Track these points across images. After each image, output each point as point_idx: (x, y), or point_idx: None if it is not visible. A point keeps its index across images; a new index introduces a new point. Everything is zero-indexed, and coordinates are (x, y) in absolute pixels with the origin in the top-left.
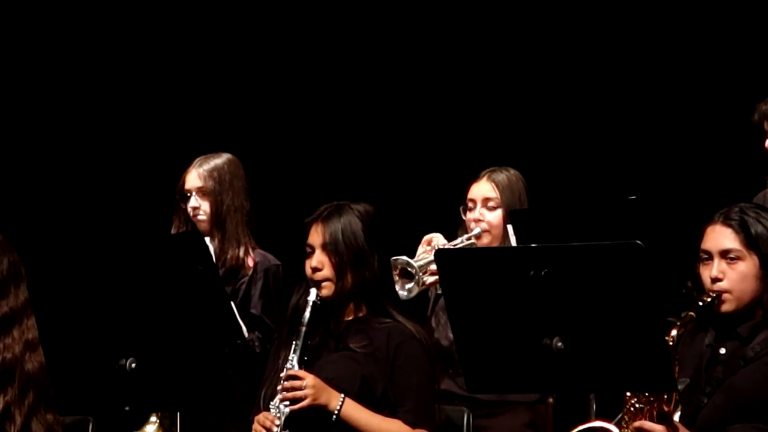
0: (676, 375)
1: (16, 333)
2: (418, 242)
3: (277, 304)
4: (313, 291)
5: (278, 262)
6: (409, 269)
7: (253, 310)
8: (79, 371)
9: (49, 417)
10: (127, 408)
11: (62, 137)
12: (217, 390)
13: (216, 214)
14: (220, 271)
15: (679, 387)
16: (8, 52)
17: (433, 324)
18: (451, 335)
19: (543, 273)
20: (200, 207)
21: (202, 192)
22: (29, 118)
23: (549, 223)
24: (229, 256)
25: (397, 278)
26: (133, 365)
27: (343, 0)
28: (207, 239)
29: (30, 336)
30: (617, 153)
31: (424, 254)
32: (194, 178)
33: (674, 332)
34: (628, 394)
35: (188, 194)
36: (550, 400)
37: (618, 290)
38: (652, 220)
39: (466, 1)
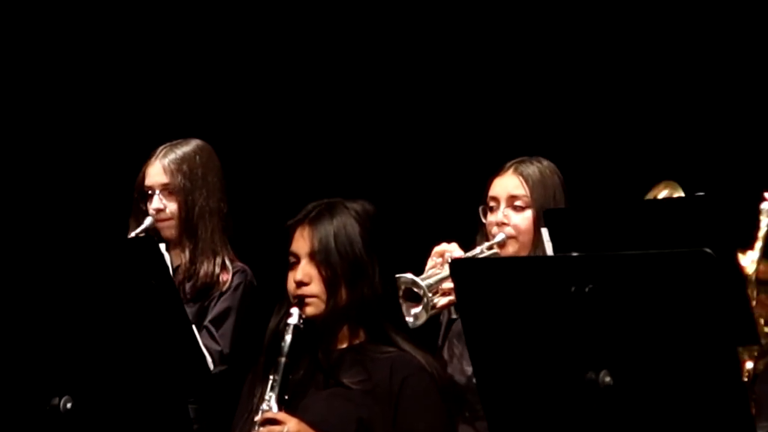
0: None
1: None
2: (429, 247)
3: (242, 324)
4: (295, 311)
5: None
6: (415, 290)
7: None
8: (2, 412)
9: None
10: None
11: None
12: None
13: (186, 218)
14: (190, 292)
15: None
16: None
17: (446, 356)
18: (468, 369)
19: (587, 289)
20: (166, 208)
21: (168, 190)
22: None
23: (593, 227)
24: (202, 272)
25: (400, 301)
26: (69, 405)
27: None
28: (165, 246)
29: None
30: (676, 138)
31: (435, 269)
32: (158, 172)
33: (749, 365)
34: None
35: (150, 192)
36: None
37: (681, 310)
38: (724, 223)
39: None
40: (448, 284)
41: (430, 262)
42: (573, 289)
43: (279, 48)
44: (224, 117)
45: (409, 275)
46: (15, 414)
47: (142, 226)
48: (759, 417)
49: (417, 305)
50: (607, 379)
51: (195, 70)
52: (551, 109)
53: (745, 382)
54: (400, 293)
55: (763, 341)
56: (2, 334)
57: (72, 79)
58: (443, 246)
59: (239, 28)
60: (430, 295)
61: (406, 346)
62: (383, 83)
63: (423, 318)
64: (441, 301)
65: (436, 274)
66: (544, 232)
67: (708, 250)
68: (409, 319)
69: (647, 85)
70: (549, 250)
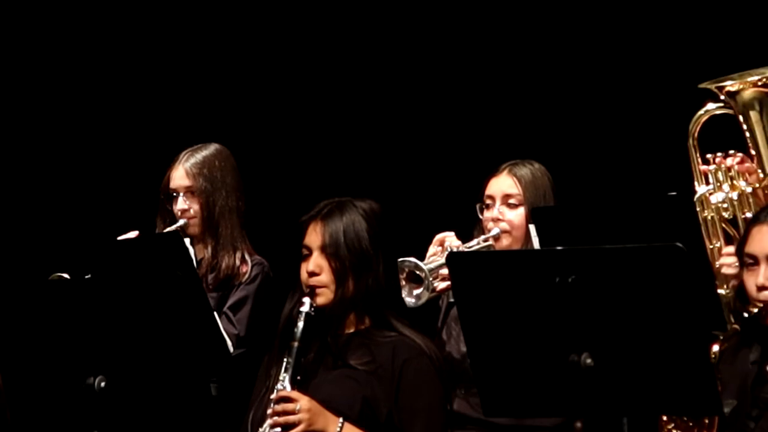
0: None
1: None
2: (429, 243)
3: (258, 311)
4: (307, 300)
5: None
6: (418, 273)
7: (226, 309)
8: (42, 390)
9: None
10: None
11: (33, 132)
12: (197, 412)
13: (208, 217)
14: (212, 283)
15: (725, 409)
16: None
17: (444, 336)
18: (464, 349)
19: (570, 279)
20: (189, 209)
21: (191, 192)
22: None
23: (577, 223)
24: (223, 265)
25: (404, 283)
26: (102, 384)
27: None
28: (190, 241)
29: None
30: (653, 143)
31: (436, 256)
32: (182, 176)
33: (716, 348)
34: (665, 418)
35: (174, 194)
36: (578, 424)
37: (655, 299)
38: (694, 220)
39: None
40: (447, 270)
41: (431, 249)
42: (557, 279)
43: (295, 64)
44: (242, 123)
45: (413, 259)
46: (56, 392)
47: (175, 225)
48: (724, 394)
49: (419, 287)
50: (589, 360)
51: (215, 80)
52: (543, 116)
53: (712, 363)
54: (404, 275)
55: (728, 327)
56: (45, 322)
57: (109, 95)
58: (443, 234)
59: (256, 44)
60: (431, 278)
61: (407, 332)
62: (389, 93)
63: (424, 298)
64: (441, 285)
65: (437, 261)
66: (532, 228)
67: (679, 245)
68: (411, 300)
69: (629, 98)
70: (536, 244)
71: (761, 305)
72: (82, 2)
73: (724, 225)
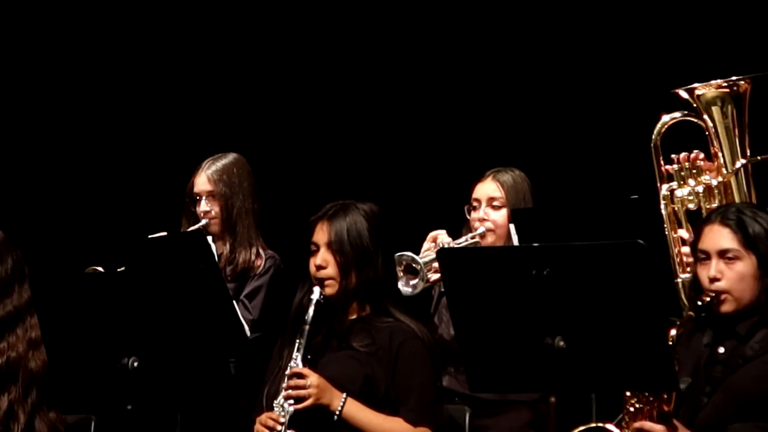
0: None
1: (19, 331)
2: (423, 240)
3: (271, 299)
4: (317, 289)
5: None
6: (414, 265)
7: (242, 297)
8: (82, 370)
9: (52, 415)
10: (129, 407)
11: (73, 139)
12: (218, 388)
13: (227, 217)
14: (230, 275)
15: (681, 386)
16: (19, 56)
17: (436, 321)
18: (453, 332)
19: (545, 272)
20: (211, 210)
21: (212, 196)
22: (41, 120)
23: (551, 223)
24: (240, 259)
25: (401, 274)
26: (135, 364)
27: (349, 3)
28: (212, 239)
29: (33, 334)
30: (620, 153)
31: (429, 251)
32: (204, 181)
33: (673, 332)
34: (628, 394)
35: (198, 197)
36: (552, 399)
37: (620, 290)
38: (654, 220)
39: (469, 6)
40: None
41: (425, 245)
42: (534, 272)
43: (308, 86)
44: (258, 135)
45: (410, 253)
46: (94, 371)
47: (198, 225)
48: (680, 373)
49: (414, 278)
50: (561, 343)
51: (235, 96)
52: (524, 128)
53: (670, 345)
54: (401, 268)
55: (683, 314)
56: (84, 310)
57: (143, 113)
58: (436, 232)
59: (275, 68)
60: (425, 270)
61: (403, 318)
62: (388, 111)
63: (419, 288)
64: (434, 276)
65: (430, 255)
66: (512, 227)
67: (641, 242)
68: (408, 289)
69: (598, 112)
70: (516, 241)
71: (713, 294)
72: (120, 13)
73: (682, 218)
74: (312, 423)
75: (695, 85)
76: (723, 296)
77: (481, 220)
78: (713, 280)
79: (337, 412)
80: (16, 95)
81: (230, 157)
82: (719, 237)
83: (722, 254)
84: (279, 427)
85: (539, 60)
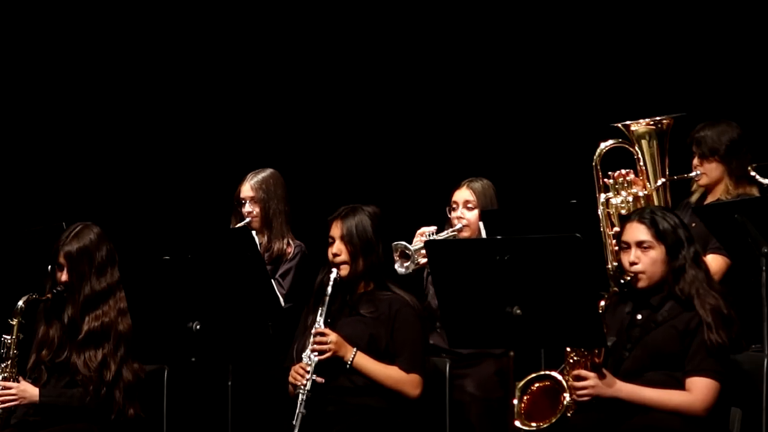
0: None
1: (111, 302)
2: (414, 233)
3: (299, 278)
4: (334, 271)
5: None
6: (407, 251)
7: (277, 276)
8: (158, 331)
9: (135, 366)
10: (193, 359)
11: (158, 160)
12: (260, 345)
13: (265, 217)
14: (268, 260)
15: (608, 344)
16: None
17: (426, 293)
18: (437, 303)
19: (506, 258)
20: (253, 211)
21: (254, 200)
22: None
23: (512, 221)
24: (275, 248)
25: (397, 259)
26: (198, 327)
27: (355, 27)
28: (255, 233)
29: (121, 305)
30: (567, 169)
31: (419, 241)
32: (247, 189)
33: (603, 303)
34: (569, 349)
35: (243, 201)
36: (512, 353)
37: (562, 271)
38: (590, 220)
39: (455, 28)
40: None
41: (416, 237)
42: (498, 258)
43: (326, 111)
44: (289, 153)
45: (403, 242)
46: (163, 333)
47: (243, 222)
48: (608, 333)
49: (407, 261)
50: (518, 311)
51: (271, 120)
52: (491, 146)
53: (600, 313)
54: (397, 254)
55: (610, 290)
56: (158, 283)
57: (209, 136)
58: (424, 228)
59: (305, 95)
60: (416, 255)
61: (399, 291)
62: (387, 129)
63: (411, 269)
64: (422, 260)
65: (420, 244)
66: (481, 224)
67: (578, 235)
68: (402, 270)
69: (552, 134)
70: (484, 235)
71: (632, 275)
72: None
73: (614, 220)
74: (331, 370)
75: (628, 122)
76: (640, 276)
77: (459, 219)
78: (632, 263)
79: (350, 362)
80: (100, 116)
81: (268, 171)
82: (637, 231)
83: (639, 244)
84: (307, 375)
85: (511, 93)
